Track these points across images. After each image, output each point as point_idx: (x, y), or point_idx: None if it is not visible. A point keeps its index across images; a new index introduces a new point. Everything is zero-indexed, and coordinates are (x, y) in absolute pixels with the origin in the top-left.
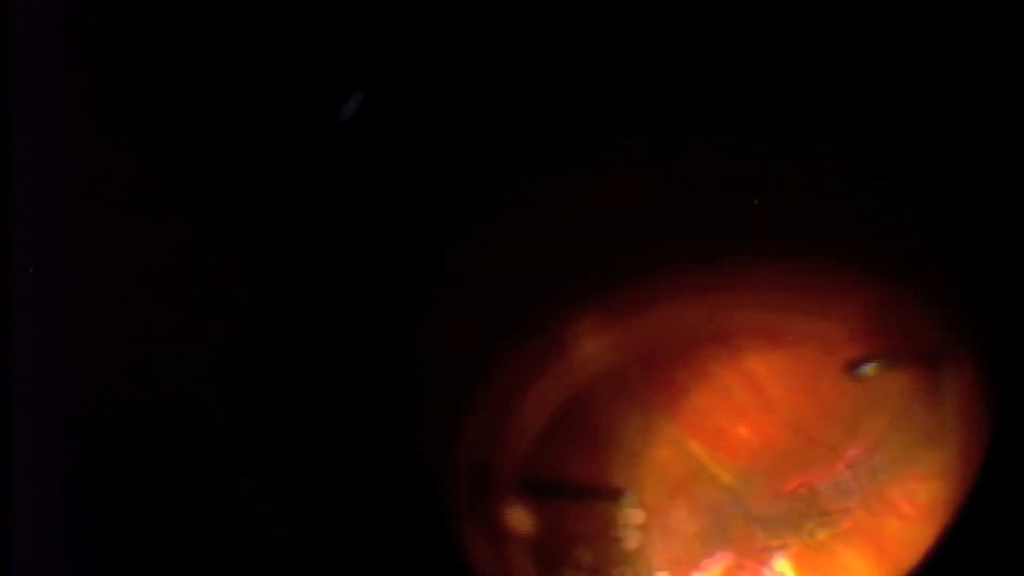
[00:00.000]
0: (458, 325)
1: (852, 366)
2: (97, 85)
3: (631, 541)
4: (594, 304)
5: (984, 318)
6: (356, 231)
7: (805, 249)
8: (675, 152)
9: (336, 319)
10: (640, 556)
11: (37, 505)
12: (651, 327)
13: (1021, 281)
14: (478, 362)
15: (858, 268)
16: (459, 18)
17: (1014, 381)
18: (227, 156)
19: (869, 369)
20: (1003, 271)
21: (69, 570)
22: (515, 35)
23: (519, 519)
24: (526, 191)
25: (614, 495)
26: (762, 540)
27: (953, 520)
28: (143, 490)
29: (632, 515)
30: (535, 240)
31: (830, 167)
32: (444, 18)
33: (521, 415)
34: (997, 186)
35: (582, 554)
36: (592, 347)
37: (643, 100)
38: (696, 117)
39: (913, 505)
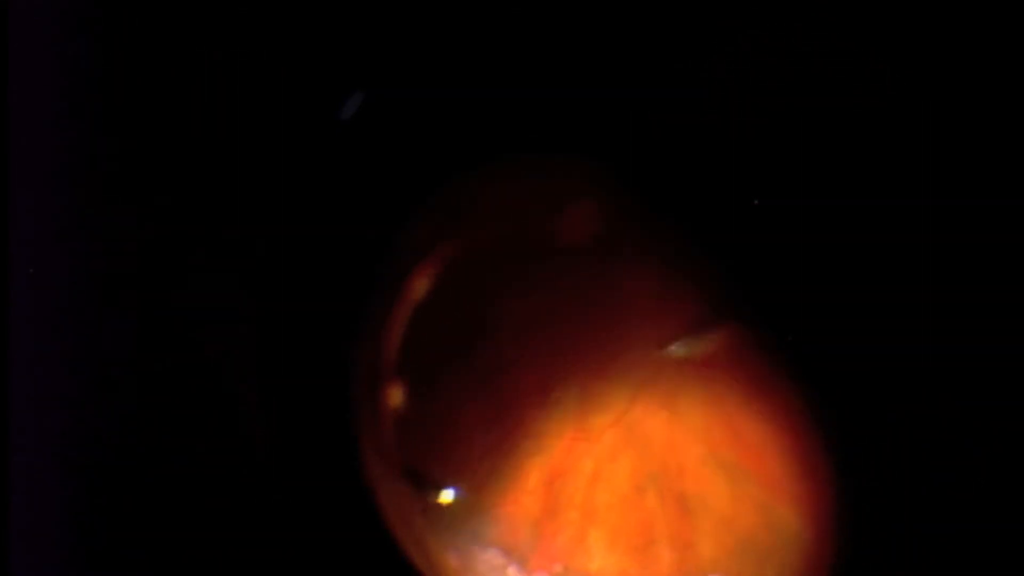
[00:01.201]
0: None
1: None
2: (97, 83)
3: None
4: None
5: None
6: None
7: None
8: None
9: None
10: None
11: (37, 505)
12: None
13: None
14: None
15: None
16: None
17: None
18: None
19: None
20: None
21: (69, 570)
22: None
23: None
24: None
25: (433, 485)
26: None
27: None
28: (142, 491)
29: None
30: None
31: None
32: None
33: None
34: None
35: None
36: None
37: (642, 100)
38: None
39: None
